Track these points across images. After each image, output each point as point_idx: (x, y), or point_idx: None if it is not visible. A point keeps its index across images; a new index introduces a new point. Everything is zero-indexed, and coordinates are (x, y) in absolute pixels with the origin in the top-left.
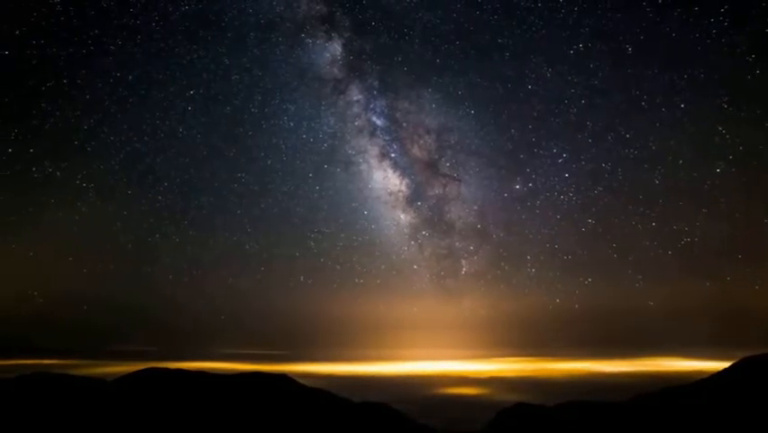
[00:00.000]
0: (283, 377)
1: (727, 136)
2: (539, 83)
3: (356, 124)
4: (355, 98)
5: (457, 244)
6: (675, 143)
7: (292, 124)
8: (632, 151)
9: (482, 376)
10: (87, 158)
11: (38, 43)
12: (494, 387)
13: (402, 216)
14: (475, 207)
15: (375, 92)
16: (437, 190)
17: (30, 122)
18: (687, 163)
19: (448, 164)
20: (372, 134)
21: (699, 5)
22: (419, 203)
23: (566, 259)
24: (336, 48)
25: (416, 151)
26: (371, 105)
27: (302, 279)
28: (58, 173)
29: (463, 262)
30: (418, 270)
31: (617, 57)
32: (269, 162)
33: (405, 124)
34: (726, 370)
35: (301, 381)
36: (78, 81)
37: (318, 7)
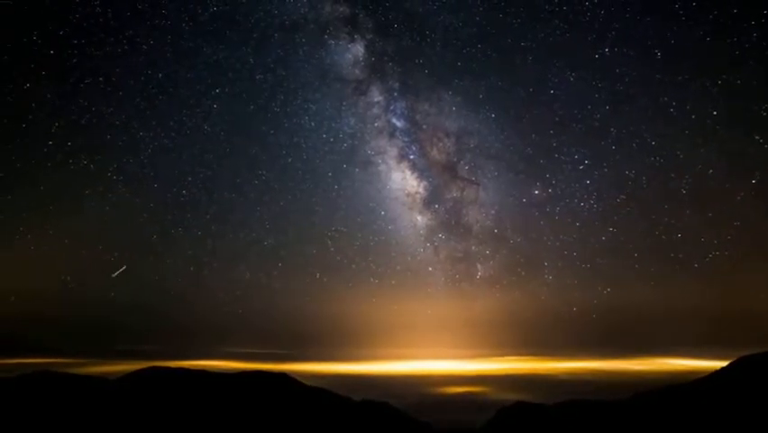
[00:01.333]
0: (283, 376)
1: (766, 146)
2: (561, 87)
3: (376, 125)
4: (376, 100)
5: (473, 247)
6: (705, 152)
7: (313, 124)
8: (658, 159)
9: (483, 375)
10: (119, 152)
11: (78, 43)
12: (494, 386)
13: (419, 218)
14: (493, 212)
15: (396, 94)
16: (455, 193)
17: (69, 117)
18: (718, 173)
19: (467, 167)
20: (392, 136)
21: (738, 7)
22: (436, 205)
23: (585, 267)
24: (358, 49)
25: (434, 153)
26: (392, 107)
27: (318, 276)
28: (92, 166)
29: (479, 266)
30: (433, 272)
31: (645, 62)
32: (289, 161)
33: (424, 127)
34: (723, 369)
35: (305, 380)
36: (113, 79)
37: (342, 9)
